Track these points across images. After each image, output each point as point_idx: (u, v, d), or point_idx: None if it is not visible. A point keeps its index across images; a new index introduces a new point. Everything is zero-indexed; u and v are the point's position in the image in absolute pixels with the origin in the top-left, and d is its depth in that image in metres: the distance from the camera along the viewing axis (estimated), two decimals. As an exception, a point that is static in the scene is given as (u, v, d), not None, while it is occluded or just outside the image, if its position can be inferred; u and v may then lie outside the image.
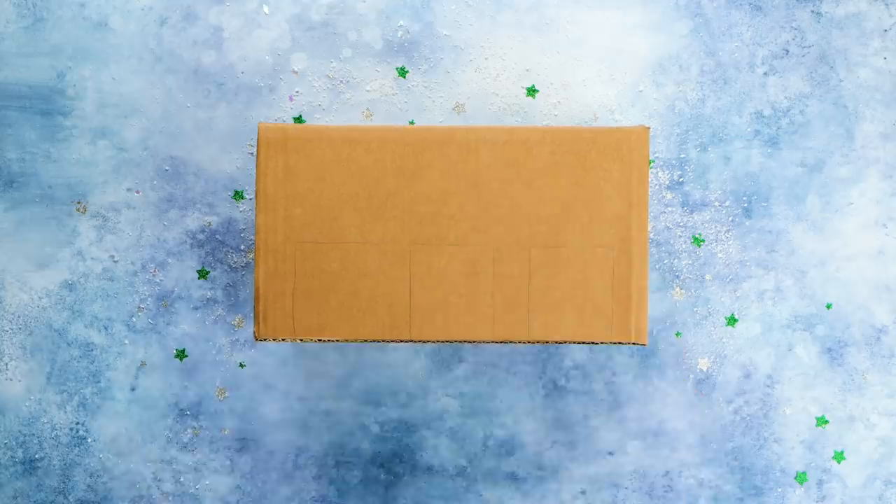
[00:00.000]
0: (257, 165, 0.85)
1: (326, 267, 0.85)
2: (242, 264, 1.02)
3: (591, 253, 0.85)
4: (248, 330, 1.00)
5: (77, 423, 1.04)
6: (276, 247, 0.85)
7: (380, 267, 0.85)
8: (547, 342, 0.86)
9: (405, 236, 0.85)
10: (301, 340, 0.86)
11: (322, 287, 0.85)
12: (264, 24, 1.02)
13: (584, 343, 0.86)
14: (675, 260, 1.02)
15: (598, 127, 0.89)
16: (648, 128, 0.84)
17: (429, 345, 1.03)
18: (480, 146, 0.84)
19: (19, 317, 1.03)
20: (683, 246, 1.02)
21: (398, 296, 0.85)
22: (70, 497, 1.04)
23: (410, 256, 0.84)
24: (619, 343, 0.85)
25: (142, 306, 1.03)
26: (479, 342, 0.86)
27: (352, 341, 0.87)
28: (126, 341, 1.03)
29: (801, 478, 1.02)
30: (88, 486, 1.04)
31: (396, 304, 0.85)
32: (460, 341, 0.86)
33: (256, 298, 0.85)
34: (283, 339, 0.85)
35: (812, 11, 1.01)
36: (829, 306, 1.02)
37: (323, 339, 0.86)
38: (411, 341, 0.86)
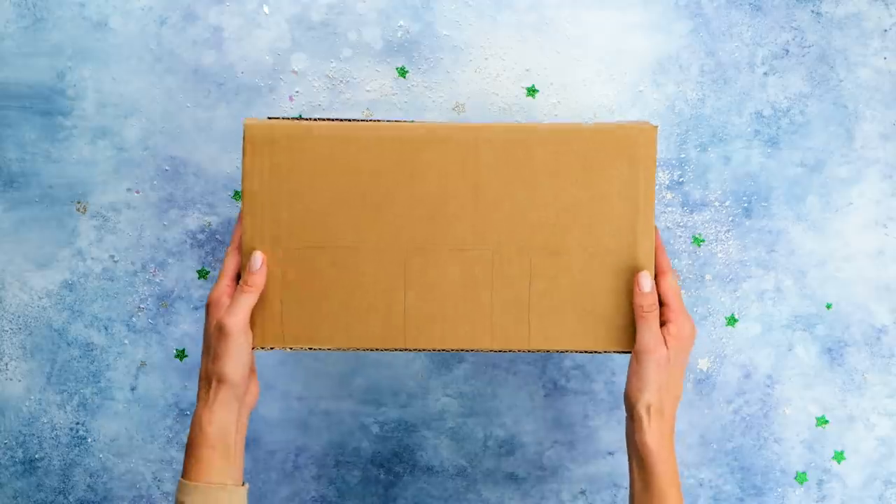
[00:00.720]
0: (243, 164, 0.80)
1: (317, 272, 0.80)
2: (242, 264, 1.02)
3: (595, 259, 0.81)
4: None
5: (77, 423, 1.04)
6: (263, 251, 0.81)
7: (373, 272, 0.81)
8: (548, 351, 0.83)
9: (400, 240, 0.81)
10: (291, 349, 0.82)
11: (313, 294, 0.81)
12: (264, 24, 1.02)
13: (585, 353, 0.83)
14: (675, 260, 1.02)
15: (603, 123, 0.84)
16: (656, 126, 0.81)
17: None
18: (480, 144, 0.81)
19: (19, 317, 1.04)
20: (683, 246, 1.02)
21: (392, 303, 0.81)
22: (70, 497, 1.04)
23: (406, 261, 0.81)
24: (624, 353, 0.83)
25: (142, 306, 1.03)
26: (477, 351, 0.83)
27: (344, 350, 0.83)
28: (126, 341, 1.03)
29: (801, 478, 1.02)
30: (88, 485, 1.04)
31: (391, 312, 0.81)
32: (457, 350, 0.83)
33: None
34: (272, 348, 0.82)
35: (812, 11, 1.01)
36: (828, 306, 1.02)
37: (314, 348, 0.82)
38: (406, 350, 0.82)
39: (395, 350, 0.82)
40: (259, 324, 0.81)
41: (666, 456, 0.80)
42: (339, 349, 0.83)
